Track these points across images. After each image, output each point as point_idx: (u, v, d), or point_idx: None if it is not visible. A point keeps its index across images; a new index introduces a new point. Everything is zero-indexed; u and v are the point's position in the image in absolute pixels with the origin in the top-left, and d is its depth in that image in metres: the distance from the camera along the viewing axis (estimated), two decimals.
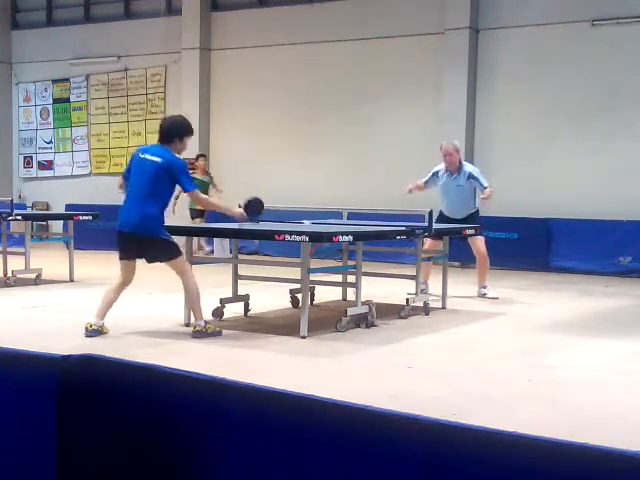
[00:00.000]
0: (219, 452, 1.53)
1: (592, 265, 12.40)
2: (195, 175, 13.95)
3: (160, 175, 6.68)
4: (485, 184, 9.69)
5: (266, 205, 12.04)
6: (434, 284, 9.07)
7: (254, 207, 7.46)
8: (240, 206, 7.45)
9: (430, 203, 9.99)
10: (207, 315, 7.76)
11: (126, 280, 6.91)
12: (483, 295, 9.73)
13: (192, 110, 16.61)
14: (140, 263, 7.04)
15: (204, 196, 7.49)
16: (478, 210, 10.02)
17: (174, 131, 6.83)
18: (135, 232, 6.69)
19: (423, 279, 9.21)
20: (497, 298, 9.61)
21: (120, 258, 6.92)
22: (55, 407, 1.67)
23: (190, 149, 17.29)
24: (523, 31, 13.76)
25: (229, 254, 8.16)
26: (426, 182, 9.95)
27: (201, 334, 6.83)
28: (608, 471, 1.18)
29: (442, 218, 9.71)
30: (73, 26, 18.24)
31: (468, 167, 9.93)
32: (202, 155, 14.90)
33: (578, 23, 13.33)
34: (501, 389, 5.41)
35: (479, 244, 9.77)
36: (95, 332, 6.74)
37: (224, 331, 7.35)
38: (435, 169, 9.99)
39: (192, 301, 6.96)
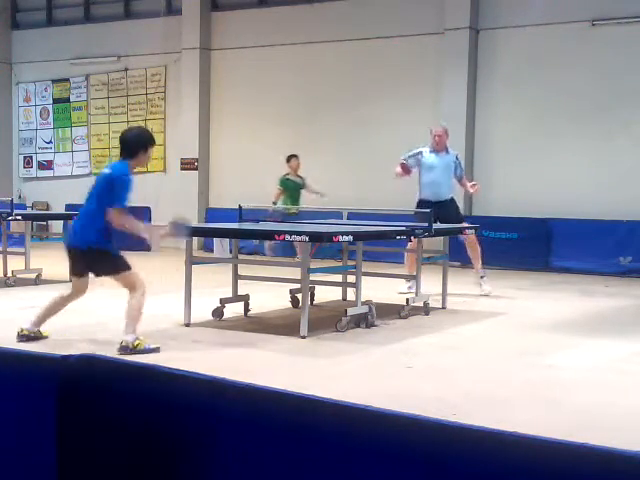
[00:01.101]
0: (219, 452, 1.53)
1: (592, 265, 12.40)
2: (288, 176, 13.44)
3: (105, 186, 6.31)
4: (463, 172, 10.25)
5: (266, 205, 12.07)
6: (434, 284, 9.06)
7: (181, 227, 6.66)
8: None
9: None
10: (207, 315, 7.78)
11: (77, 293, 6.60)
12: (480, 285, 9.88)
13: (192, 110, 16.65)
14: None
15: (122, 216, 6.25)
16: (453, 197, 10.25)
17: (140, 143, 6.41)
18: (77, 245, 6.39)
19: (409, 272, 9.34)
20: (489, 294, 9.76)
21: (70, 273, 6.63)
22: (55, 407, 1.67)
23: (191, 149, 17.40)
24: (523, 31, 13.76)
25: (229, 254, 8.16)
26: (407, 160, 9.85)
27: (127, 350, 6.18)
28: (608, 471, 1.18)
29: (424, 205, 9.46)
30: (73, 26, 18.24)
31: (453, 150, 10.18)
32: (294, 155, 13.69)
33: (578, 23, 13.33)
34: (501, 389, 5.41)
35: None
36: (25, 337, 6.52)
37: (226, 331, 7.35)
38: (418, 149, 10.00)
39: (129, 316, 6.33)
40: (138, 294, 6.34)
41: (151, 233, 6.55)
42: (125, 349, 6.19)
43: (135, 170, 6.48)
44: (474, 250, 10.02)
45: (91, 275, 6.58)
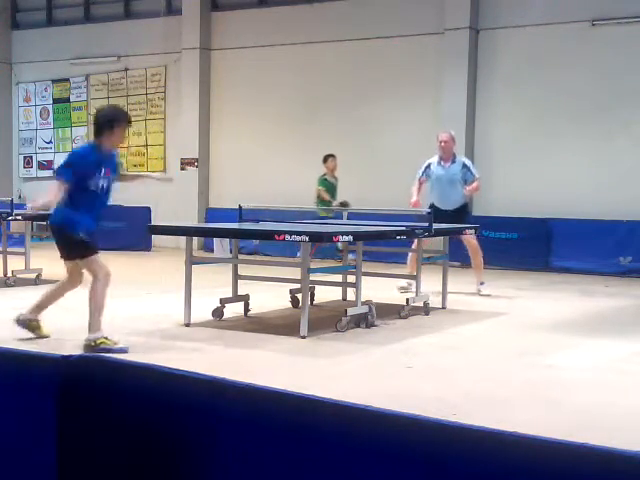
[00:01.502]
0: (219, 452, 1.53)
1: (592, 265, 12.40)
2: (326, 177, 13.15)
3: None
4: (476, 175, 10.02)
5: (266, 205, 12.05)
6: (434, 284, 9.06)
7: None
8: None
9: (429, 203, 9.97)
10: (207, 315, 7.77)
11: (69, 281, 6.53)
12: (479, 291, 9.89)
13: (192, 110, 16.64)
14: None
15: (56, 186, 6.35)
16: (467, 203, 10.33)
17: (105, 123, 6.30)
18: (51, 226, 6.55)
19: (410, 272, 9.35)
20: (490, 295, 9.76)
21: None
22: (55, 407, 1.67)
23: (191, 149, 17.36)
24: (523, 31, 13.76)
25: (229, 254, 8.15)
26: (421, 177, 9.98)
27: (99, 349, 5.99)
28: (608, 471, 1.18)
29: (434, 211, 9.68)
30: (73, 26, 18.23)
31: (461, 157, 10.18)
32: (331, 155, 13.25)
33: (578, 23, 13.32)
34: (501, 389, 5.41)
35: (470, 237, 9.89)
36: (21, 323, 6.50)
37: (226, 331, 7.35)
38: (426, 163, 10.07)
39: (92, 310, 6.25)
40: (100, 284, 6.24)
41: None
42: (98, 348, 6.03)
43: (109, 150, 6.36)
44: (476, 258, 9.97)
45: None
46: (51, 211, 6.68)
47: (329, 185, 13.13)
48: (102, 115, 6.47)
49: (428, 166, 9.99)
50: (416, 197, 9.96)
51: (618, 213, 12.61)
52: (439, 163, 9.96)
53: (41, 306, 6.64)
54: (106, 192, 6.42)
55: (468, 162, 10.24)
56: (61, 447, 1.67)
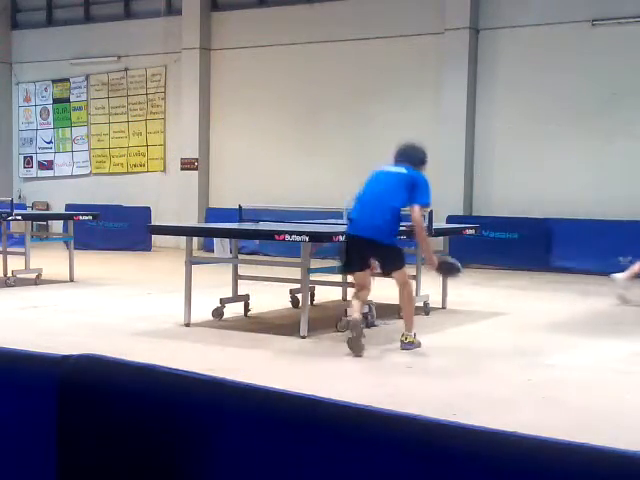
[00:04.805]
0: (219, 452, 1.53)
1: (592, 265, 12.39)
2: None
3: (402, 185, 6.68)
4: None
5: (266, 205, 12.07)
6: (435, 284, 9.05)
7: (448, 269, 7.21)
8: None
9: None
10: (207, 315, 7.78)
11: (365, 288, 6.78)
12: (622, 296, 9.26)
13: (192, 110, 16.64)
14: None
15: (421, 220, 6.77)
16: None
17: (421, 159, 6.94)
18: (373, 238, 6.56)
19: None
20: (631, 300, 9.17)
21: (351, 272, 7.00)
22: (55, 407, 1.67)
23: (191, 149, 17.34)
24: (523, 31, 13.76)
25: (229, 254, 8.15)
26: None
27: (411, 345, 6.55)
28: (608, 471, 1.18)
29: None
30: (73, 26, 18.23)
31: None
32: None
33: (578, 23, 13.32)
34: (501, 389, 5.41)
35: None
36: (411, 345, 6.61)
37: (226, 331, 7.35)
38: None
39: (407, 312, 6.79)
40: (407, 289, 6.73)
41: (429, 251, 6.92)
42: (410, 345, 6.56)
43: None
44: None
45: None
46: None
47: None
48: (422, 152, 7.02)
49: None
50: None
51: (618, 213, 12.61)
52: None
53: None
54: None
55: None
56: (61, 447, 1.67)
